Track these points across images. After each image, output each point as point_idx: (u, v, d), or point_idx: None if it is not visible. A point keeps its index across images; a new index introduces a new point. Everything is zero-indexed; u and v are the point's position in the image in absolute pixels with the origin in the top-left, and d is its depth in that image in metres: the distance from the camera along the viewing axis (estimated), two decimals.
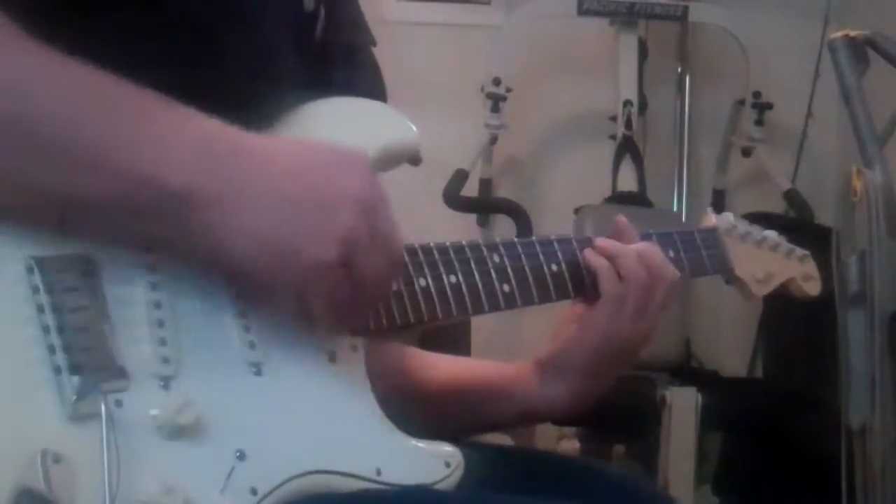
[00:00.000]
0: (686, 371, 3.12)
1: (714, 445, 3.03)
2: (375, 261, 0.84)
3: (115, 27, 0.84)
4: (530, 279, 1.04)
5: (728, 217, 1.30)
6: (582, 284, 1.08)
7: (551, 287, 1.06)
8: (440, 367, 1.16)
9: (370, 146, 0.96)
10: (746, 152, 3.38)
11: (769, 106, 3.30)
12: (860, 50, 1.88)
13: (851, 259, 1.85)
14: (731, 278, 1.29)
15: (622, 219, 1.10)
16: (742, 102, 3.36)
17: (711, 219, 1.29)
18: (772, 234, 1.33)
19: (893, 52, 1.87)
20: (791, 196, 3.25)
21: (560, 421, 3.01)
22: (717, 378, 3.27)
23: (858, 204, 1.84)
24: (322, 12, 1.04)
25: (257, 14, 0.94)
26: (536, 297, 1.05)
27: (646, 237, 1.15)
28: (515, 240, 1.05)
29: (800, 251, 1.35)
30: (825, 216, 3.06)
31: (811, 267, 1.35)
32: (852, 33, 1.89)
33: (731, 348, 3.53)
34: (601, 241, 1.08)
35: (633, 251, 1.07)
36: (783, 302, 3.22)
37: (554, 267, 1.07)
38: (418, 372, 1.14)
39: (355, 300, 0.85)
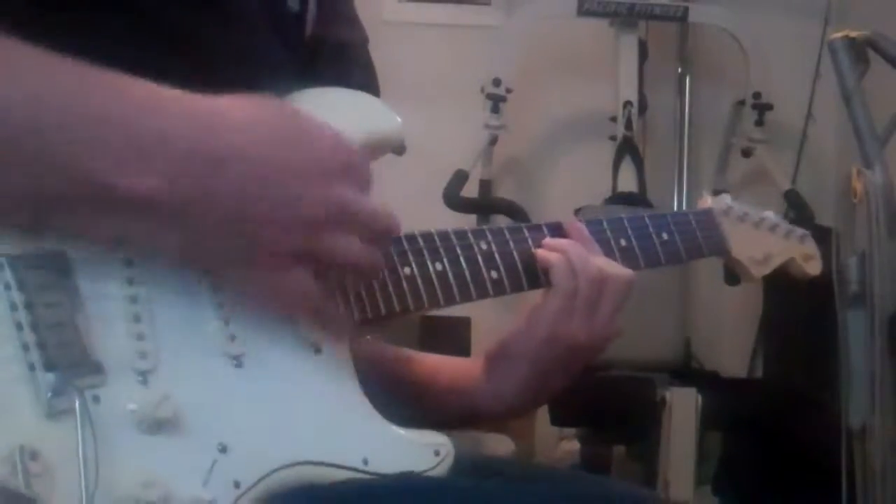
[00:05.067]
0: (686, 371, 3.12)
1: (714, 445, 3.03)
2: (347, 246, 0.83)
3: (96, 32, 0.84)
4: (519, 265, 1.03)
5: (725, 198, 1.28)
6: None
7: (541, 273, 1.04)
8: (387, 357, 1.14)
9: (353, 136, 0.96)
10: (746, 153, 3.39)
11: (769, 106, 3.31)
12: (860, 50, 1.88)
13: (851, 259, 1.85)
14: (728, 260, 1.27)
15: (576, 225, 1.08)
16: (742, 103, 3.37)
17: (707, 200, 1.27)
18: (770, 215, 1.31)
19: (893, 53, 1.86)
20: (791, 196, 3.25)
21: (558, 421, 3.02)
22: (717, 378, 3.27)
23: (858, 204, 1.84)
24: (310, 11, 1.04)
25: (240, 16, 0.93)
26: (525, 284, 1.04)
27: (637, 219, 1.14)
28: (504, 227, 1.04)
29: (799, 231, 1.33)
30: (825, 216, 3.06)
31: (811, 246, 1.33)
32: (852, 34, 1.89)
33: (731, 348, 3.53)
34: (552, 241, 1.06)
35: (583, 250, 1.05)
36: (783, 302, 3.21)
37: None
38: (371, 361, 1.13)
39: (333, 288, 0.84)
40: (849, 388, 1.84)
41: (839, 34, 1.92)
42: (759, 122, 3.32)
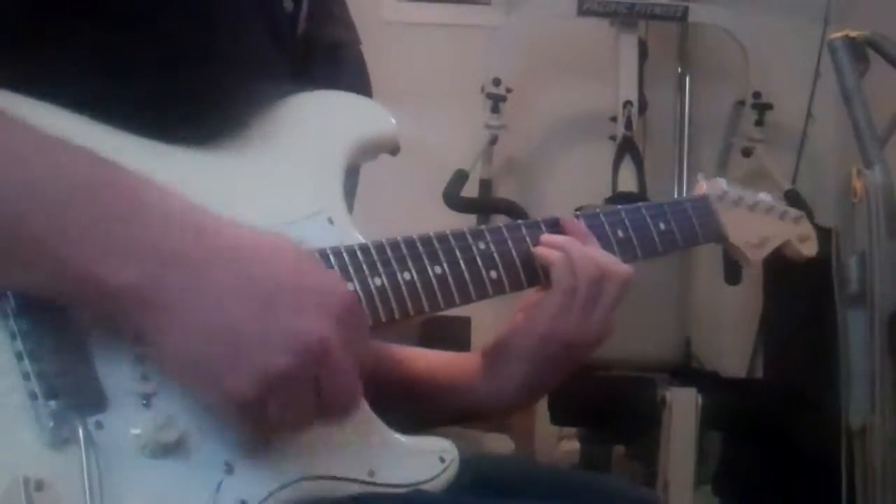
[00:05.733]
0: (686, 371, 3.12)
1: (714, 445, 3.03)
2: (299, 409, 0.79)
3: (92, 32, 0.83)
4: (518, 264, 1.03)
5: (720, 182, 1.27)
6: None
7: (540, 270, 1.04)
8: (384, 355, 1.13)
9: (348, 137, 0.96)
10: (746, 152, 3.38)
11: (769, 106, 3.30)
12: (860, 50, 1.88)
13: (851, 259, 1.85)
14: (725, 245, 1.26)
15: (573, 220, 1.08)
16: (742, 103, 3.36)
17: (703, 186, 1.26)
18: (765, 197, 1.30)
19: (893, 53, 1.87)
20: (791, 196, 3.24)
21: (558, 420, 3.02)
22: (717, 378, 3.27)
23: (858, 204, 1.84)
24: (304, 11, 1.04)
25: (234, 15, 0.93)
26: (525, 282, 1.04)
27: (634, 210, 1.14)
28: (501, 225, 1.03)
29: (794, 212, 1.32)
30: (825, 216, 3.06)
31: (807, 227, 1.33)
32: (852, 33, 1.89)
33: (731, 348, 3.53)
34: (551, 238, 1.05)
35: (581, 247, 1.05)
36: (783, 302, 3.21)
37: None
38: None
39: (274, 431, 0.81)
40: (849, 388, 1.84)
41: (839, 34, 1.92)
42: (759, 122, 3.32)
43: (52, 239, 0.73)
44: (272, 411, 0.77)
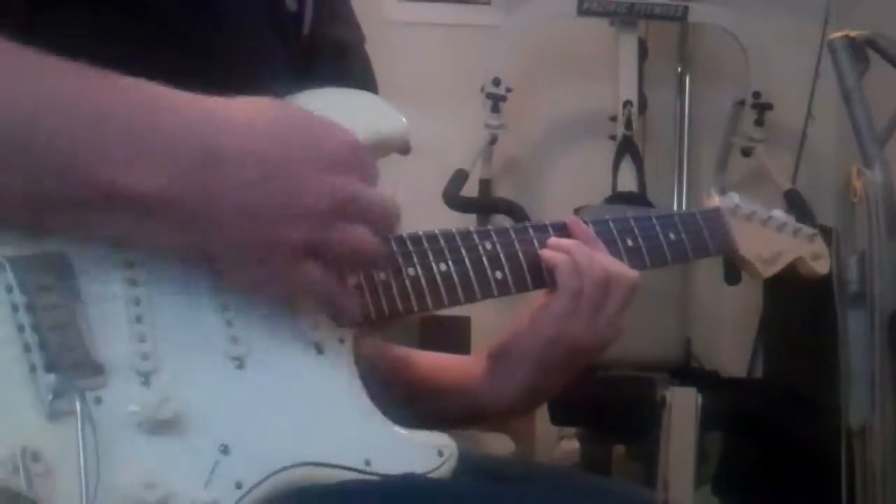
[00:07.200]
0: (686, 371, 3.12)
1: (714, 445, 3.03)
2: (355, 236, 0.83)
3: (95, 31, 0.84)
4: (524, 265, 1.03)
5: (733, 197, 1.27)
6: None
7: (546, 273, 1.04)
8: (387, 356, 1.14)
9: (358, 136, 0.96)
10: (746, 152, 3.38)
11: (769, 106, 3.30)
12: (860, 50, 1.88)
13: (851, 259, 1.85)
14: (736, 259, 1.27)
15: (581, 225, 1.08)
16: (742, 103, 3.36)
17: (715, 199, 1.27)
18: (778, 213, 1.31)
19: (893, 52, 1.87)
20: (791, 196, 3.24)
21: (558, 420, 3.02)
22: (717, 378, 3.27)
23: (858, 204, 1.84)
24: (308, 10, 1.04)
25: (238, 15, 0.93)
26: (530, 283, 1.04)
27: (644, 219, 1.14)
28: (509, 226, 1.04)
29: (808, 229, 1.32)
30: (825, 216, 3.06)
31: (820, 245, 1.33)
32: (852, 33, 1.89)
33: (731, 348, 3.53)
34: (557, 241, 1.06)
35: (588, 250, 1.05)
36: (783, 302, 3.21)
37: None
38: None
39: (338, 283, 0.85)
40: (849, 387, 1.84)
41: (839, 34, 1.92)
42: (759, 122, 3.32)
43: (64, 148, 0.74)
44: (336, 235, 0.82)
